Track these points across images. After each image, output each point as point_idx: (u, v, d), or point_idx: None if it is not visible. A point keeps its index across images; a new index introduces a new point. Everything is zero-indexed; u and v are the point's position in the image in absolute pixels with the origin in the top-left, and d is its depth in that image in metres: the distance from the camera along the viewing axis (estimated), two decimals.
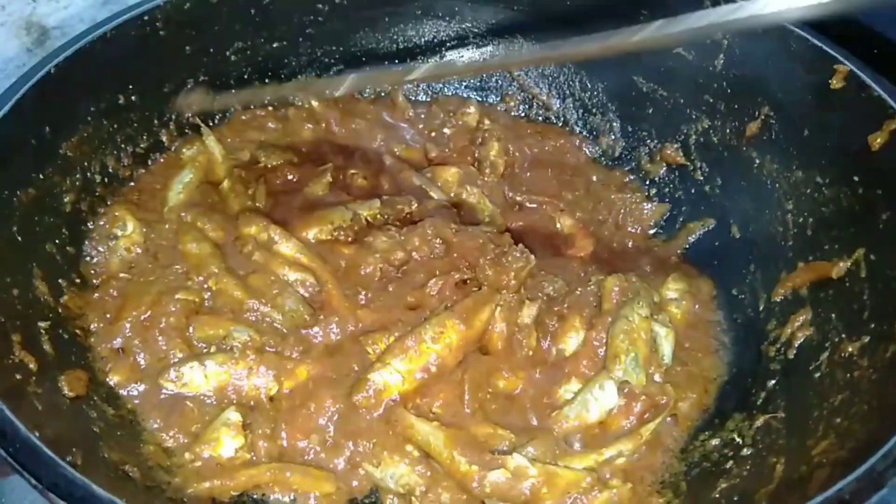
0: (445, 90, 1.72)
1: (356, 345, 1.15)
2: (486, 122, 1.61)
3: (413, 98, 1.69)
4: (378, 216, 1.31)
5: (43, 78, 1.15)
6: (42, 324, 1.05)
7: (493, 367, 1.16)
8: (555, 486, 1.04)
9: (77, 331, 1.12)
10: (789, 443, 1.02)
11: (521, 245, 1.28)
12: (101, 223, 1.28)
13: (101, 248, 1.25)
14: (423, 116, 1.63)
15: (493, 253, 1.23)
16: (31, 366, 0.96)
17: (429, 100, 1.69)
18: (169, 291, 1.18)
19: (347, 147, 1.50)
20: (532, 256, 1.26)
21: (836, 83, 1.18)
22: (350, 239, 1.27)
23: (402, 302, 1.20)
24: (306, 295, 1.21)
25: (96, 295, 1.19)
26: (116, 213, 1.29)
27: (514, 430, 1.10)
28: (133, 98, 1.35)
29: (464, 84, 1.72)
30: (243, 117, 1.55)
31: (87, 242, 1.25)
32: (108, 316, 1.17)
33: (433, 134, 1.60)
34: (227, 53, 1.49)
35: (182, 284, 1.20)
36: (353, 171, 1.40)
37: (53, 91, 1.17)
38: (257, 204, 1.35)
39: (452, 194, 1.43)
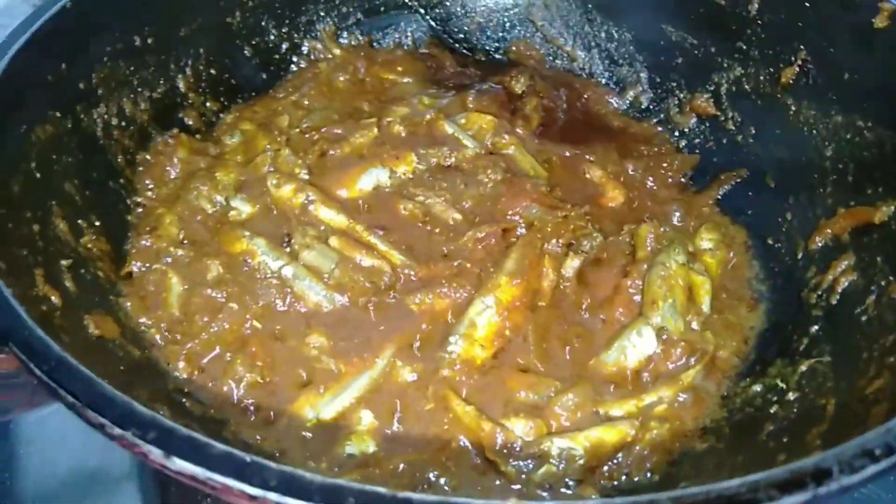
0: None
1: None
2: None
3: None
4: (415, 170, 1.28)
5: (60, 11, 1.11)
6: (63, 262, 1.01)
7: (551, 319, 1.13)
8: (603, 453, 1.00)
9: (99, 272, 1.08)
10: (838, 385, 0.99)
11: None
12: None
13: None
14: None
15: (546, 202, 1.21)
16: (55, 300, 0.92)
17: None
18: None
19: (381, 94, 1.48)
20: (586, 208, 1.25)
21: (879, 22, 1.14)
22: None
23: (438, 252, 1.17)
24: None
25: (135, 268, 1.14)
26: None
27: (556, 377, 1.07)
28: (149, 41, 1.30)
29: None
30: (279, 96, 1.51)
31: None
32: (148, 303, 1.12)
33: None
34: None
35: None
36: (388, 119, 1.36)
37: (72, 25, 1.13)
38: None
39: (489, 143, 1.38)
